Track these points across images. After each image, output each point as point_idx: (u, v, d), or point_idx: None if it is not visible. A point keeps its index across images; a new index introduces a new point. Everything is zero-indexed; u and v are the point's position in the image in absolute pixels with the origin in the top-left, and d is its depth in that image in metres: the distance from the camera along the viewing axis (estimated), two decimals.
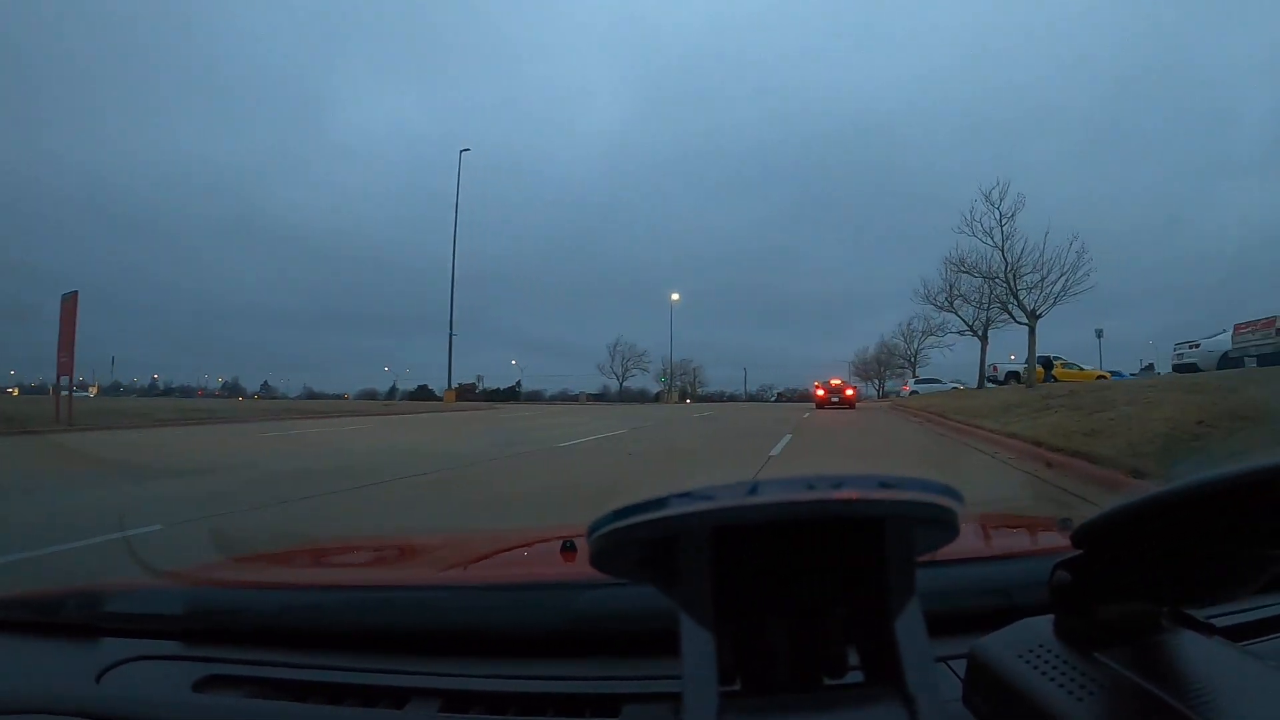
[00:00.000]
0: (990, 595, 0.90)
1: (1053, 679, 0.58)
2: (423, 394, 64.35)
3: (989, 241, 25.76)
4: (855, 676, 0.57)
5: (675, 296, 65.29)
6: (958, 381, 38.52)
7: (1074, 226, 26.05)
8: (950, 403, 21.17)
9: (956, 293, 30.03)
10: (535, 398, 72.94)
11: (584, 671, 0.84)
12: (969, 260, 27.15)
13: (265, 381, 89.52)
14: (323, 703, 0.83)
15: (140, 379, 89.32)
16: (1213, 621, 0.63)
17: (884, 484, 0.49)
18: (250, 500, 5.73)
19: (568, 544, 1.20)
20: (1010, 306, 25.93)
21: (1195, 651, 0.58)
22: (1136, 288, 74.38)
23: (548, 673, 0.85)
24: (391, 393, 76.26)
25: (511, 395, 70.10)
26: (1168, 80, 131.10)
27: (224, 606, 1.03)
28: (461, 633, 0.92)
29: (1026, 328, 24.93)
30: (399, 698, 0.82)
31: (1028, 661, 0.61)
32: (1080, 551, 0.63)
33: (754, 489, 0.48)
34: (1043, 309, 24.57)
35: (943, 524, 0.53)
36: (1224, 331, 20.44)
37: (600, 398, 70.84)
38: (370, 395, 77.05)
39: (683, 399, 68.31)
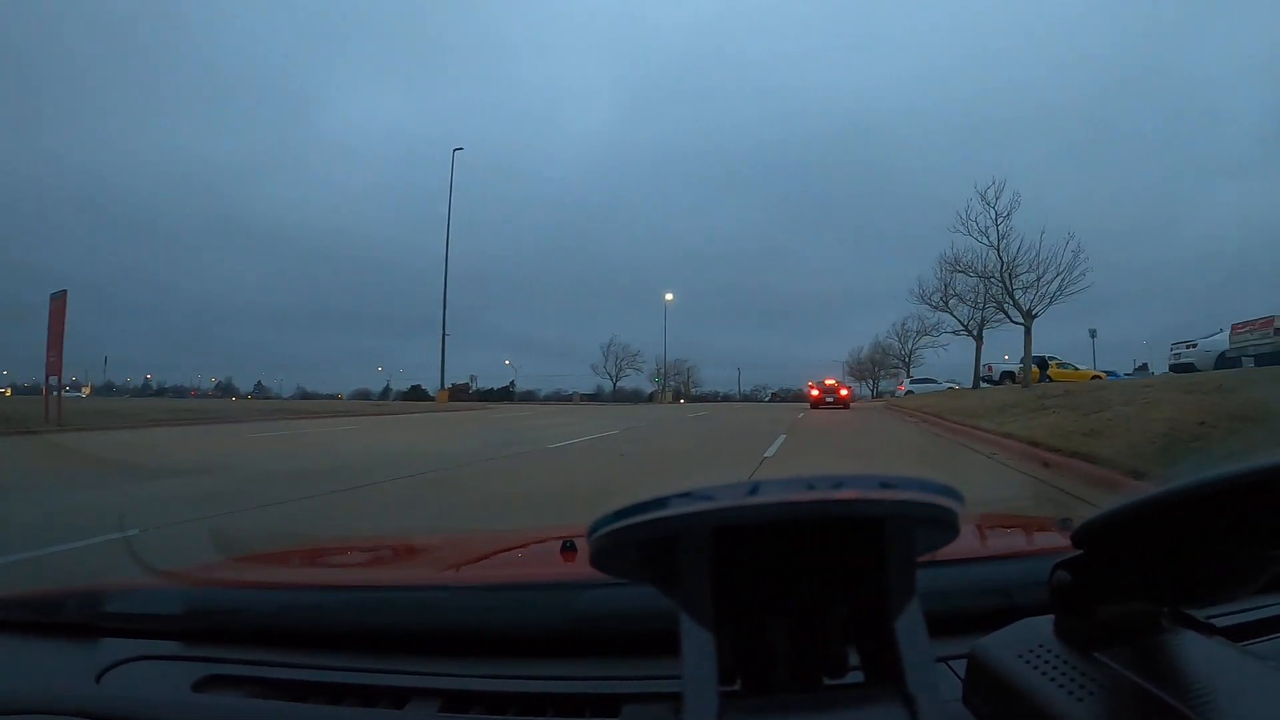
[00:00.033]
0: (990, 595, 0.91)
1: (1053, 679, 0.58)
2: (416, 394, 64.09)
3: (984, 240, 25.71)
4: (855, 676, 0.57)
5: (669, 296, 65.64)
6: (953, 381, 38.59)
7: (1069, 226, 25.88)
8: (945, 403, 21.18)
9: (952, 292, 30.02)
10: (529, 398, 72.83)
11: (584, 671, 0.85)
12: (964, 259, 27.16)
13: (259, 381, 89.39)
14: (323, 703, 0.83)
15: (134, 379, 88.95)
16: (1213, 621, 0.64)
17: (884, 484, 0.49)
18: (230, 504, 5.52)
19: (568, 544, 1.20)
20: (1006, 306, 25.86)
21: (1195, 651, 0.58)
22: (1128, 288, 74.47)
23: (548, 673, 0.85)
24: (385, 393, 76.16)
25: (505, 395, 70.10)
26: (1160, 81, 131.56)
27: (224, 606, 1.03)
28: (461, 633, 0.92)
29: (1021, 328, 24.89)
30: (399, 698, 0.82)
31: (1028, 661, 0.61)
32: (1080, 551, 0.64)
33: (754, 489, 0.48)
34: (1038, 309, 24.53)
35: (943, 524, 0.53)
36: (1221, 331, 20.50)
37: (594, 398, 70.68)
38: (364, 395, 77.00)
39: (677, 399, 68.25)
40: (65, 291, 16.00)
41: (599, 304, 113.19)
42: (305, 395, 78.63)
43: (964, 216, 25.71)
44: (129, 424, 16.93)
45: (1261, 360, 16.76)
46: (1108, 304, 60.17)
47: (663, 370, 68.73)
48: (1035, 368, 25.86)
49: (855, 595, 0.57)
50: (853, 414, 24.79)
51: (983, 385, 30.09)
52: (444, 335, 41.90)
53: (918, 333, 45.99)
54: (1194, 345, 21.41)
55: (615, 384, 72.58)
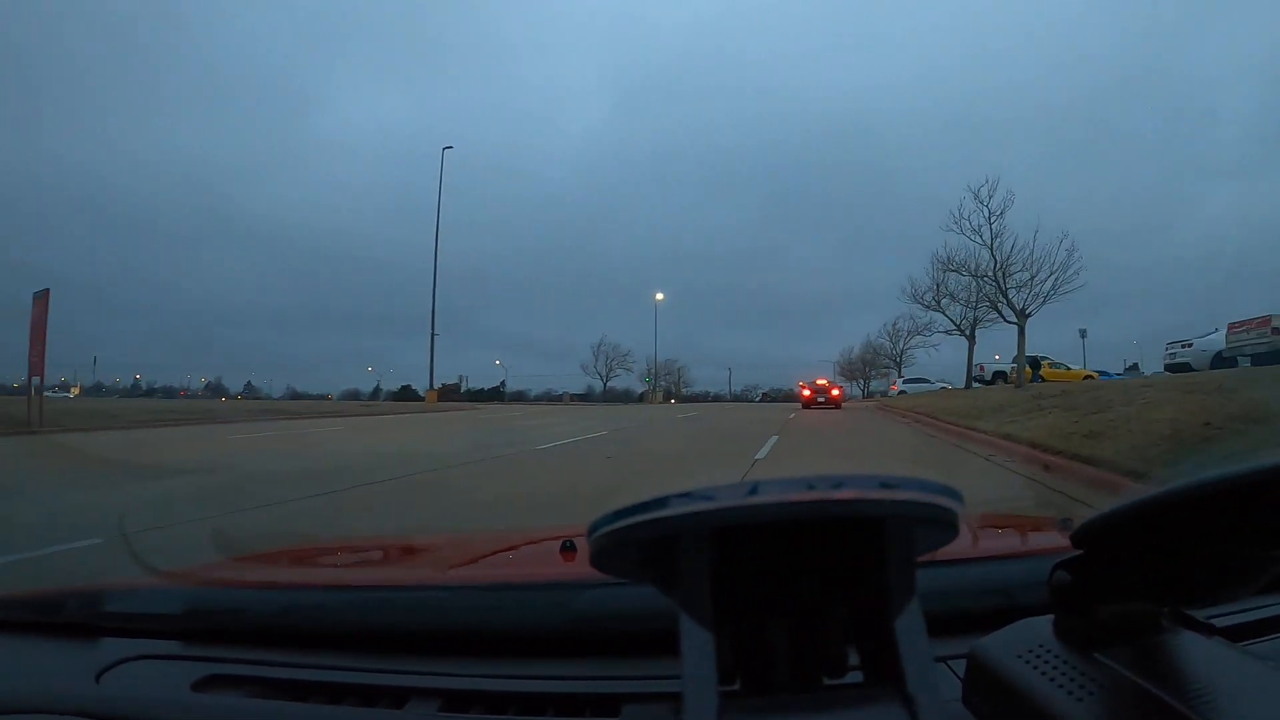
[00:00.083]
0: (990, 595, 0.90)
1: (1053, 679, 0.58)
2: (406, 394, 63.95)
3: (978, 239, 25.72)
4: (855, 676, 0.57)
5: (659, 296, 65.57)
6: (945, 382, 38.46)
7: (1068, 226, 25.82)
8: (939, 403, 21.11)
9: (944, 291, 29.92)
10: (520, 398, 72.90)
11: (584, 671, 0.84)
12: (957, 258, 27.14)
13: (248, 381, 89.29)
14: (322, 702, 0.83)
15: (124, 379, 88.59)
16: (1213, 621, 0.63)
17: (884, 484, 0.49)
18: (196, 511, 5.07)
19: (567, 544, 1.19)
20: (1000, 305, 25.78)
21: (1195, 652, 0.58)
22: (1127, 288, 75.03)
23: (547, 672, 0.85)
24: (375, 393, 76.25)
25: (496, 396, 70.05)
26: (1160, 81, 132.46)
27: (223, 606, 1.03)
28: (461, 632, 0.92)
29: (1014, 327, 24.94)
30: (399, 697, 0.82)
31: (1028, 662, 0.61)
32: (1080, 552, 0.63)
33: (754, 489, 0.48)
34: (1032, 308, 24.53)
35: (943, 524, 0.52)
36: (1217, 330, 20.46)
37: (584, 398, 70.74)
38: (354, 396, 77.08)
39: (667, 399, 68.30)
40: (48, 290, 15.74)
41: (595, 304, 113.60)
42: (295, 395, 78.61)
43: (957, 215, 25.69)
44: (110, 425, 16.66)
45: (1259, 360, 16.72)
46: (1102, 304, 60.61)
47: (653, 370, 68.82)
48: (1028, 368, 25.72)
49: (855, 595, 0.56)
50: (845, 414, 24.72)
51: (975, 385, 30.07)
52: (433, 335, 42.25)
53: (909, 332, 46.01)
54: (1190, 345, 21.37)
55: (606, 384, 72.70)
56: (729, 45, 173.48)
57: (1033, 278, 24.31)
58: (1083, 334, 40.87)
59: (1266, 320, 17.97)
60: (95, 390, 76.68)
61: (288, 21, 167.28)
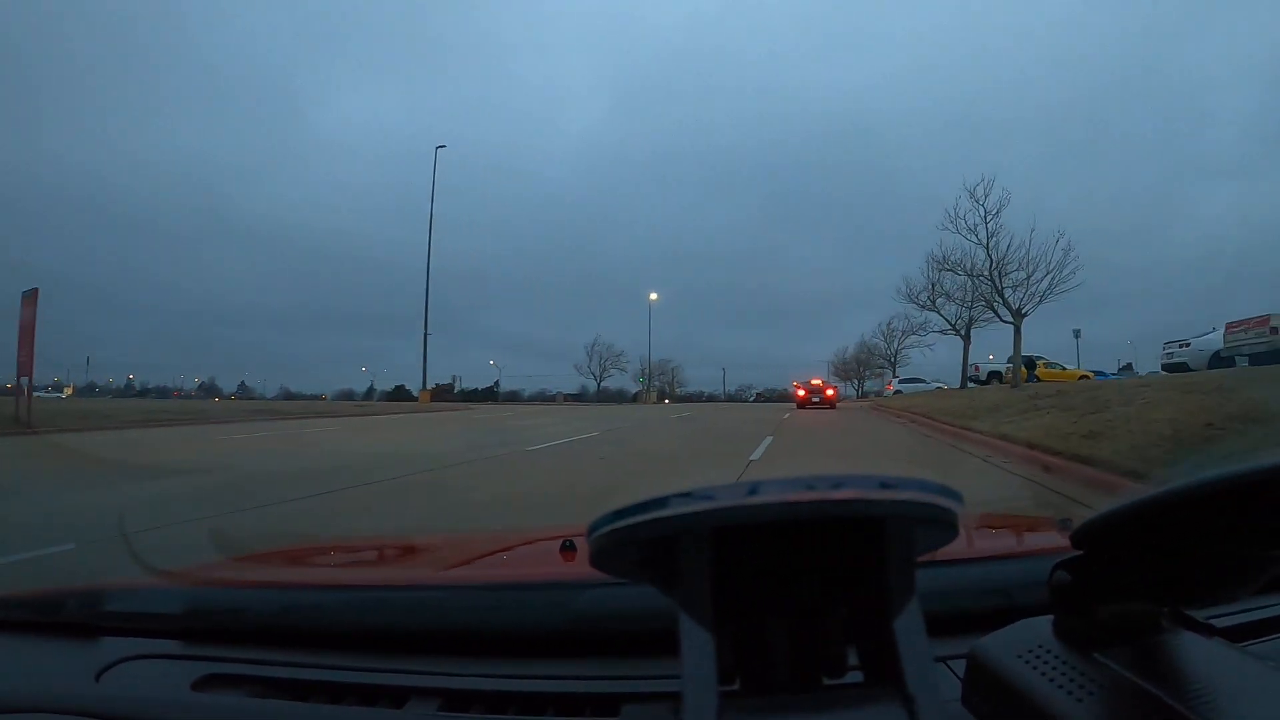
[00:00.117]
0: (990, 595, 0.90)
1: (1052, 679, 0.58)
2: (400, 394, 63.74)
3: (973, 238, 25.72)
4: (855, 676, 0.57)
5: (654, 296, 65.50)
6: (940, 382, 38.46)
7: (1067, 226, 25.82)
8: (934, 403, 21.09)
9: (940, 291, 29.94)
10: (513, 398, 72.81)
11: (583, 671, 0.85)
12: (952, 258, 27.12)
13: (242, 382, 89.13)
14: (323, 702, 0.83)
15: (117, 379, 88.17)
16: (1213, 622, 0.63)
17: (884, 484, 0.49)
18: (194, 511, 4.96)
19: (567, 544, 1.19)
20: (996, 305, 25.76)
21: (1195, 652, 0.58)
22: (1115, 289, 75.16)
23: (547, 672, 0.85)
24: (369, 393, 75.95)
25: (489, 395, 69.98)
26: (1159, 81, 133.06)
27: (223, 606, 1.03)
28: (461, 632, 0.92)
29: (1010, 327, 24.93)
30: (399, 697, 0.82)
31: (1027, 662, 0.61)
32: (1080, 552, 0.63)
33: (754, 489, 0.48)
34: (1028, 307, 24.51)
35: (943, 524, 0.52)
36: (1214, 330, 20.49)
37: (578, 398, 70.72)
38: (348, 396, 76.80)
39: (661, 399, 68.30)
40: (36, 290, 15.70)
41: (594, 304, 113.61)
42: (289, 396, 78.44)
43: (952, 214, 25.67)
44: (99, 426, 16.50)
45: (1257, 359, 16.76)
46: (1101, 304, 60.75)
47: (647, 370, 68.71)
48: (1023, 368, 25.73)
49: (855, 595, 0.56)
50: (839, 414, 24.68)
51: (970, 385, 30.06)
52: (425, 335, 41.94)
53: (904, 332, 46.09)
54: (1187, 344, 21.41)
55: (599, 384, 72.60)
56: (728, 45, 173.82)
57: (1029, 277, 24.37)
58: (1077, 334, 41.09)
59: (1265, 320, 18.00)
60: (88, 390, 76.51)
61: (287, 21, 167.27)
